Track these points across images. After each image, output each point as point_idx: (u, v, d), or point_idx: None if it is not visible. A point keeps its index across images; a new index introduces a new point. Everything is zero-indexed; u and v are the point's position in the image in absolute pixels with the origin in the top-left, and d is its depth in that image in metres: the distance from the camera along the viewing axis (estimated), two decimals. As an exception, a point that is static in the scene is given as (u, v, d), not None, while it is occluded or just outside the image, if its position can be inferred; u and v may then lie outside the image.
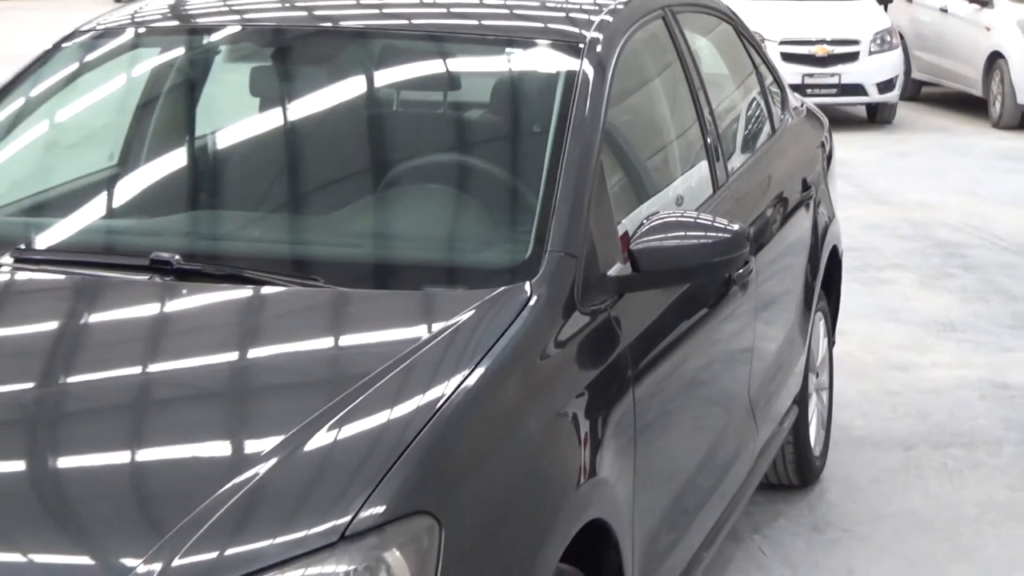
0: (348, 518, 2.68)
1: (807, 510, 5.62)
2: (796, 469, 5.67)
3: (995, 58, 15.54)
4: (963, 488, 5.86)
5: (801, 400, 5.49)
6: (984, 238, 10.32)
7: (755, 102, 5.49)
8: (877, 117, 15.82)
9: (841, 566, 5.16)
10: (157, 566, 2.61)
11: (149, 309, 3.51)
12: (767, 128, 5.48)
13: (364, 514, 2.69)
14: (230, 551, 2.65)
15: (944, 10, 16.63)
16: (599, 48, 4.05)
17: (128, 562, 2.63)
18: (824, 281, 5.74)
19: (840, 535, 5.42)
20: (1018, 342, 7.87)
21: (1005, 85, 15.30)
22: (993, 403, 6.85)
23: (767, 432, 4.99)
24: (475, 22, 4.48)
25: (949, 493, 5.81)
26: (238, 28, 4.49)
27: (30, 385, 3.21)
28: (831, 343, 6.06)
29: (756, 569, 5.11)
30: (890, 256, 9.76)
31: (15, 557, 2.70)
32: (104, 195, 4.17)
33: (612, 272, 3.61)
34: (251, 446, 2.92)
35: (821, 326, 5.82)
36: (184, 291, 3.50)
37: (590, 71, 3.95)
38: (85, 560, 2.69)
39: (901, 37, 16.41)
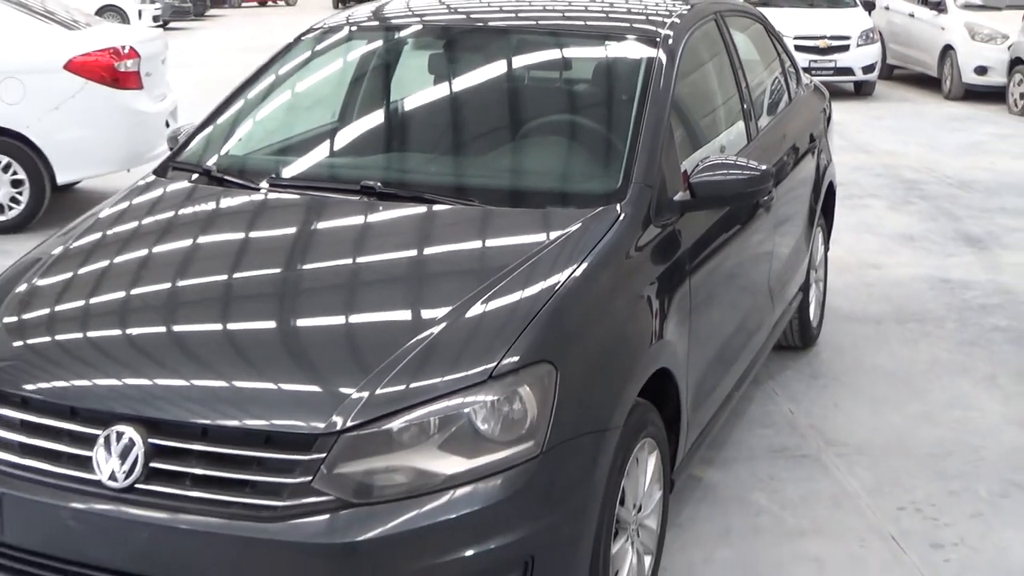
0: (494, 363, 2.69)
1: (807, 364, 5.55)
2: (800, 336, 5.59)
3: (947, 49, 15.25)
4: (917, 351, 5.77)
5: (805, 288, 5.40)
6: (936, 177, 10.08)
7: (777, 79, 5.37)
8: (861, 91, 15.52)
9: (830, 402, 5.10)
10: (365, 394, 2.65)
11: (358, 220, 3.51)
12: (785, 98, 5.36)
13: (505, 361, 2.70)
14: (414, 384, 2.67)
15: (911, 15, 16.32)
16: (670, 41, 3.97)
17: (345, 390, 2.67)
18: (823, 205, 5.62)
19: (830, 381, 5.35)
20: (958, 249, 7.69)
21: (954, 69, 15.04)
22: (939, 292, 6.72)
23: (780, 310, 4.92)
24: (582, 23, 4.40)
25: (907, 354, 5.72)
26: (420, 27, 4.45)
27: (278, 270, 3.24)
28: (826, 248, 5.95)
29: (771, 404, 5.06)
30: (868, 189, 9.57)
31: (268, 385, 2.76)
32: (328, 141, 4.17)
33: (676, 198, 3.56)
34: (427, 313, 2.92)
35: (820, 237, 5.71)
36: (381, 207, 3.50)
37: (663, 57, 3.88)
38: (315, 388, 2.73)
39: (880, 34, 16.12)
